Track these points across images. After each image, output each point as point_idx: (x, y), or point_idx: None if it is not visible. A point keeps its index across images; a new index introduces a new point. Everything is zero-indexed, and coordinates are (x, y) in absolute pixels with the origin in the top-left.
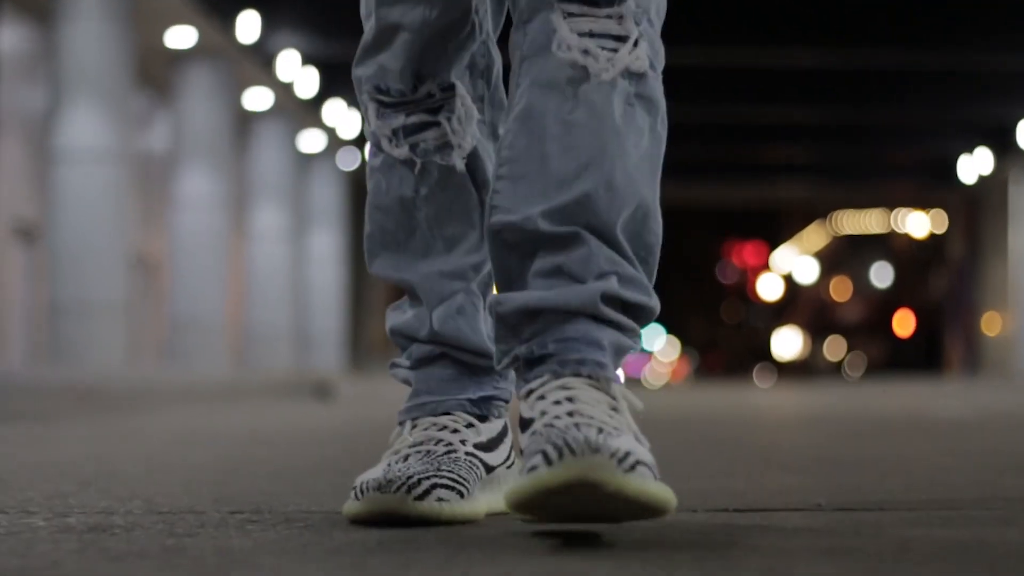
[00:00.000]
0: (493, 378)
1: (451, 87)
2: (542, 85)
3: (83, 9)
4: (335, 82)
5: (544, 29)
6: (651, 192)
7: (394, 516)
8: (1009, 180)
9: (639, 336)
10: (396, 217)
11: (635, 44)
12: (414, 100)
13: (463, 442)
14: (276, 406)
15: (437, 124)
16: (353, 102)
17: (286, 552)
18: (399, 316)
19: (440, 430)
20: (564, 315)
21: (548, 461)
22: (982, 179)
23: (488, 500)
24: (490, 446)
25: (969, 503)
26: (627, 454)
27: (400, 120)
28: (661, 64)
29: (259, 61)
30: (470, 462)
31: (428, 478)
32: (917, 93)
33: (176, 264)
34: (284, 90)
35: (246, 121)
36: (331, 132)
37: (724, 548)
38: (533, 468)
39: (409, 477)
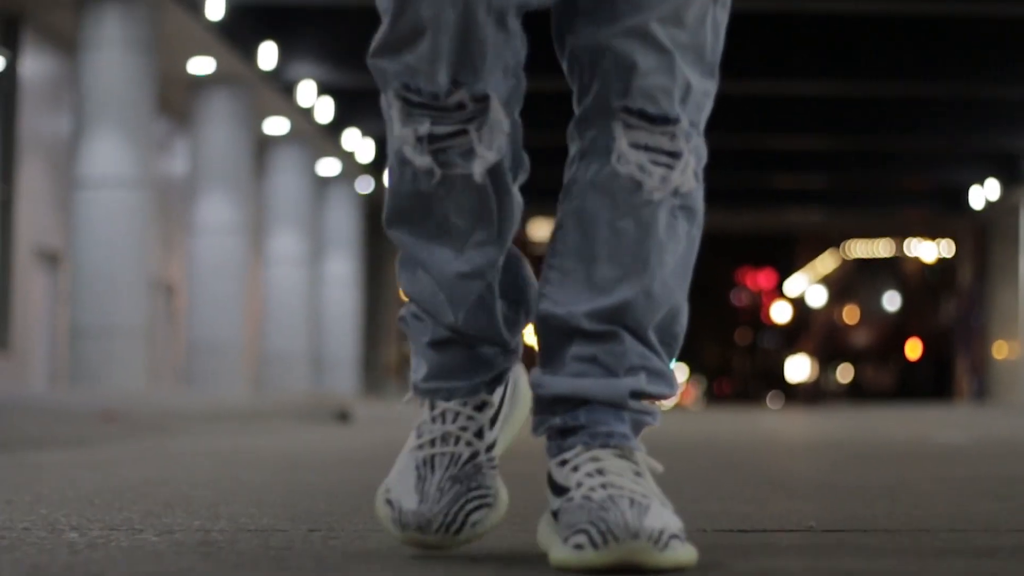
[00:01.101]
0: (503, 355)
1: (485, 98)
2: (597, 189)
3: (105, 38)
4: (351, 110)
5: (605, 133)
6: (682, 294)
7: (437, 550)
8: (1020, 207)
9: (658, 415)
10: (411, 203)
11: (686, 163)
12: (444, 107)
13: (479, 435)
14: (300, 429)
15: (464, 133)
16: (368, 131)
17: (371, 563)
18: (414, 281)
19: (456, 420)
20: (595, 403)
21: (594, 544)
22: (991, 206)
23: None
24: (493, 422)
25: (942, 528)
26: (661, 532)
27: (426, 127)
28: (703, 163)
29: (277, 88)
30: (489, 466)
31: (462, 508)
32: (928, 122)
33: (194, 288)
34: (301, 117)
35: (264, 148)
36: (347, 158)
37: (727, 565)
38: (579, 547)
39: (446, 515)
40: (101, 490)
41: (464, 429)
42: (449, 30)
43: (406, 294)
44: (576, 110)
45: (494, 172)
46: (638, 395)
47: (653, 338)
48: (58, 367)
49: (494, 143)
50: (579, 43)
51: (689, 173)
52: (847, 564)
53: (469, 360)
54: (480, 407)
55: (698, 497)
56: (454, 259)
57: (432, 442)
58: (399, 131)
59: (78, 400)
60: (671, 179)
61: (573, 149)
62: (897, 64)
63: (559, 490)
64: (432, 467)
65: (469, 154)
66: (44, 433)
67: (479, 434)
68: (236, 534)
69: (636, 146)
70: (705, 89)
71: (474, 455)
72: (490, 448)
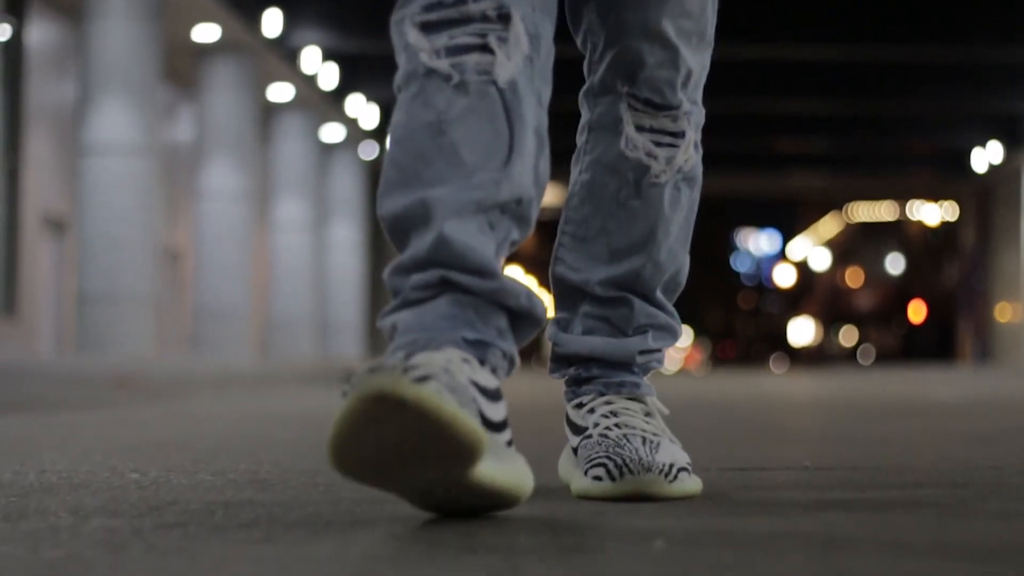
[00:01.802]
0: (492, 325)
1: (508, 16)
2: (606, 166)
3: (111, 6)
4: (355, 76)
5: (612, 111)
6: (684, 253)
7: (387, 399)
8: (1023, 170)
9: (663, 359)
10: (415, 147)
11: (688, 142)
12: (466, 15)
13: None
14: (312, 392)
15: (483, 48)
16: (372, 97)
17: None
18: (400, 257)
19: (432, 362)
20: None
21: (611, 476)
22: (994, 169)
23: (496, 468)
24: (490, 395)
25: (924, 467)
26: (671, 466)
27: (443, 40)
28: (701, 126)
29: (282, 55)
30: (472, 394)
31: (426, 367)
32: (930, 85)
33: (200, 255)
34: (305, 84)
35: (269, 114)
36: (351, 124)
37: (730, 495)
38: (598, 478)
39: (407, 359)
40: (141, 444)
41: (449, 361)
42: None
43: (390, 271)
44: (586, 79)
45: (511, 91)
46: (645, 352)
47: (659, 296)
48: (65, 334)
49: (513, 56)
50: (590, 27)
51: (691, 150)
52: (835, 495)
53: (450, 313)
54: (463, 360)
55: (703, 445)
56: (456, 192)
57: None
58: (414, 40)
59: (88, 366)
60: (676, 159)
61: (584, 117)
62: (899, 27)
63: (577, 429)
64: None
65: (486, 74)
66: (58, 397)
67: (460, 374)
68: (283, 475)
69: (641, 128)
70: (703, 64)
71: (450, 378)
72: (471, 385)
